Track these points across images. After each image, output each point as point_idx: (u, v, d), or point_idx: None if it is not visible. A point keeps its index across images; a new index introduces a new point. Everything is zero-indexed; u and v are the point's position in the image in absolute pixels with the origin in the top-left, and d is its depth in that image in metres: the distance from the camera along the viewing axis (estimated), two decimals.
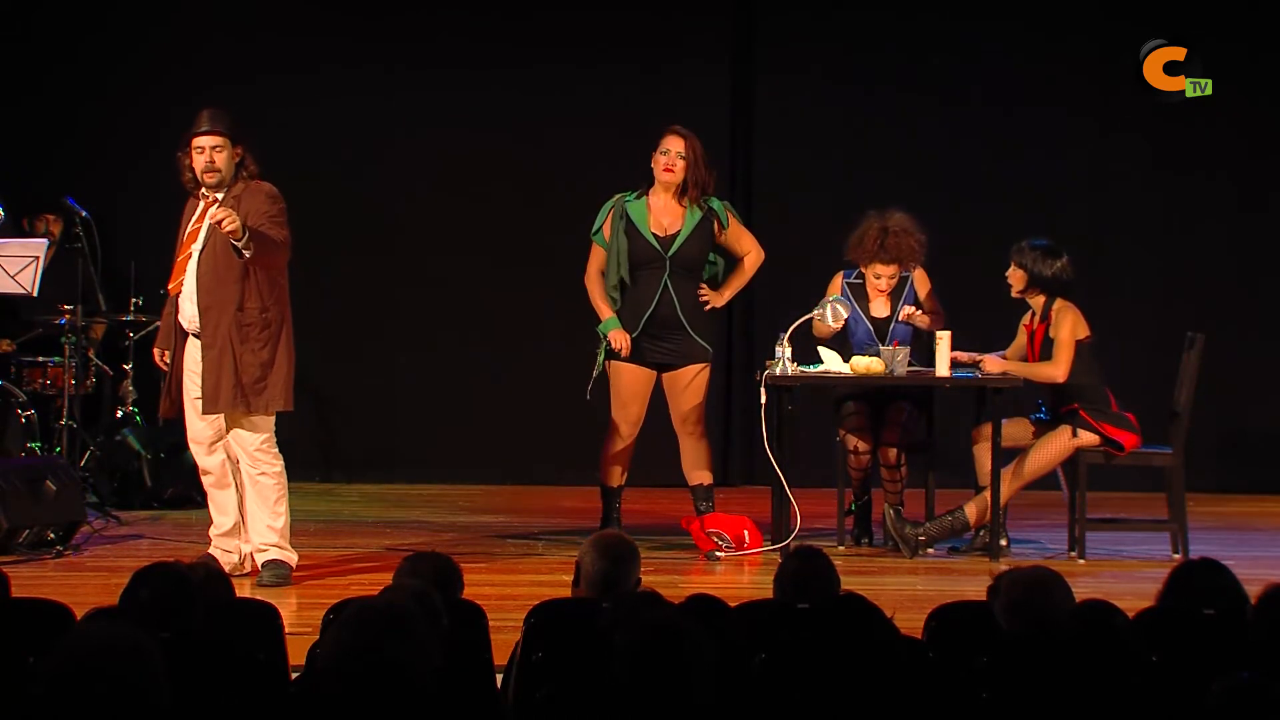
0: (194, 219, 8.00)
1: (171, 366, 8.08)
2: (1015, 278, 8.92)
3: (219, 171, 7.90)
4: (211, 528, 8.16)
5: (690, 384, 8.97)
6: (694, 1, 11.77)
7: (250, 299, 7.87)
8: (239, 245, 7.69)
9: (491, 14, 11.65)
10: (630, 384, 8.92)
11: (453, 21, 11.62)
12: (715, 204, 9.00)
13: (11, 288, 9.35)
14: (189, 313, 7.96)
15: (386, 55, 11.56)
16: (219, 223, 7.66)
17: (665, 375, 8.98)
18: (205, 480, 8.14)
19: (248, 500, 8.01)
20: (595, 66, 11.60)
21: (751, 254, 9.06)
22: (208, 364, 7.87)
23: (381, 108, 11.57)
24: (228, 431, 7.98)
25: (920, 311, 9.12)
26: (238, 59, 11.29)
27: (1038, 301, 8.94)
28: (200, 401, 7.99)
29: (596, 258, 8.99)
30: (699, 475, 9.06)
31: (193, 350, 8.00)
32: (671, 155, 8.92)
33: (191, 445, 8.15)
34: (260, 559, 8.00)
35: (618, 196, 9.01)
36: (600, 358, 8.96)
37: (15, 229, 10.42)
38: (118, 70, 11.49)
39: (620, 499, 9.11)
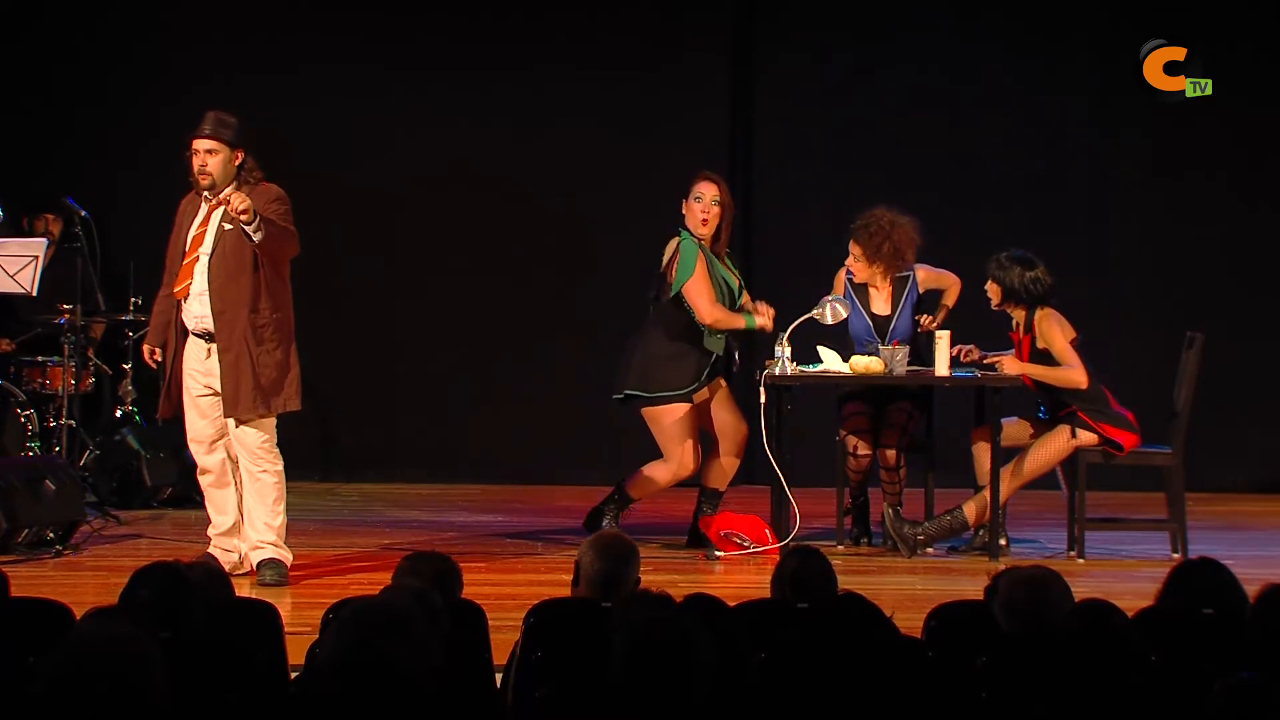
0: (198, 222, 8.00)
1: (171, 367, 8.09)
2: (992, 291, 8.95)
3: (210, 175, 7.93)
4: (210, 527, 8.16)
5: (721, 391, 9.09)
6: (694, 1, 11.77)
7: (262, 300, 7.91)
8: (249, 229, 7.69)
9: (491, 14, 11.65)
10: (686, 421, 8.97)
11: (451, 21, 11.62)
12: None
13: (11, 287, 9.35)
14: (197, 312, 7.96)
15: (385, 55, 11.55)
16: (228, 202, 7.66)
17: (696, 397, 9.03)
18: (203, 480, 8.14)
19: (246, 498, 8.02)
20: (595, 66, 11.59)
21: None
22: (225, 367, 7.89)
23: (380, 108, 11.56)
24: (230, 430, 7.99)
25: (929, 317, 9.13)
26: (237, 59, 11.28)
27: (1019, 313, 8.96)
28: (202, 400, 8.02)
29: (708, 292, 8.87)
30: (723, 481, 9.18)
31: (195, 349, 8.01)
32: (706, 201, 8.93)
33: (191, 444, 8.15)
34: (257, 557, 8.00)
35: (692, 239, 8.92)
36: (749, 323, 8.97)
37: (15, 228, 10.42)
38: (117, 70, 11.49)
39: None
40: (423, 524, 9.94)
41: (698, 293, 8.88)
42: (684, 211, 8.98)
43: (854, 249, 9.15)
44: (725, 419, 9.13)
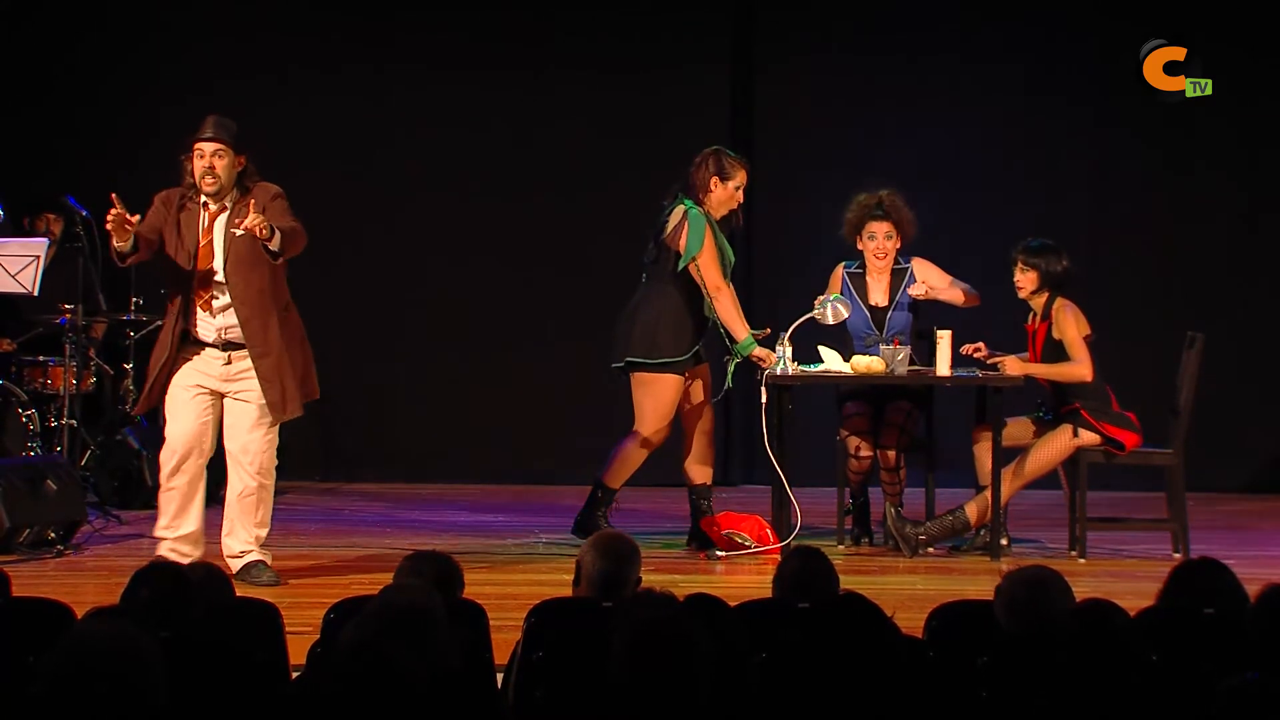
0: (202, 231, 7.89)
1: (160, 371, 7.97)
2: (1028, 279, 8.90)
3: (218, 178, 7.86)
4: (166, 529, 7.98)
5: (702, 371, 9.05)
6: (694, 1, 11.77)
7: (280, 298, 7.93)
8: (270, 246, 7.68)
9: (491, 14, 11.65)
10: (677, 393, 8.95)
11: (450, 21, 11.62)
12: None
13: (12, 287, 9.36)
14: (219, 324, 7.88)
15: (384, 55, 11.56)
16: (249, 226, 7.60)
17: (688, 374, 9.03)
18: (178, 480, 7.94)
19: (238, 503, 7.93)
20: (595, 67, 11.59)
21: None
22: (265, 372, 7.85)
23: (380, 108, 11.57)
24: (240, 436, 7.91)
25: (928, 288, 9.12)
26: (237, 59, 11.29)
27: (1038, 301, 8.95)
28: (199, 400, 7.96)
29: (716, 264, 8.86)
30: (707, 474, 9.12)
31: (210, 359, 7.92)
32: (741, 193, 8.97)
33: (177, 447, 8.03)
34: (247, 559, 7.95)
35: (698, 209, 8.91)
36: (731, 370, 8.96)
37: (15, 228, 10.42)
38: (118, 70, 11.49)
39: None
40: (423, 524, 9.94)
41: (707, 265, 8.86)
42: (709, 187, 8.92)
43: (878, 227, 9.11)
44: (699, 404, 9.06)
